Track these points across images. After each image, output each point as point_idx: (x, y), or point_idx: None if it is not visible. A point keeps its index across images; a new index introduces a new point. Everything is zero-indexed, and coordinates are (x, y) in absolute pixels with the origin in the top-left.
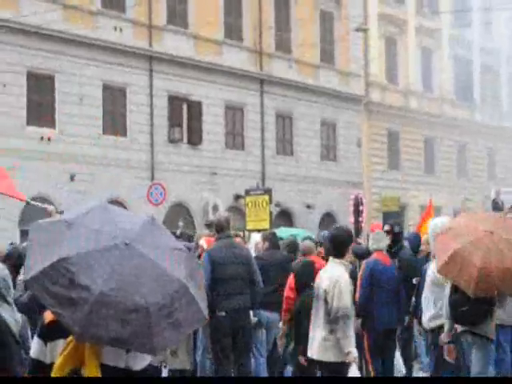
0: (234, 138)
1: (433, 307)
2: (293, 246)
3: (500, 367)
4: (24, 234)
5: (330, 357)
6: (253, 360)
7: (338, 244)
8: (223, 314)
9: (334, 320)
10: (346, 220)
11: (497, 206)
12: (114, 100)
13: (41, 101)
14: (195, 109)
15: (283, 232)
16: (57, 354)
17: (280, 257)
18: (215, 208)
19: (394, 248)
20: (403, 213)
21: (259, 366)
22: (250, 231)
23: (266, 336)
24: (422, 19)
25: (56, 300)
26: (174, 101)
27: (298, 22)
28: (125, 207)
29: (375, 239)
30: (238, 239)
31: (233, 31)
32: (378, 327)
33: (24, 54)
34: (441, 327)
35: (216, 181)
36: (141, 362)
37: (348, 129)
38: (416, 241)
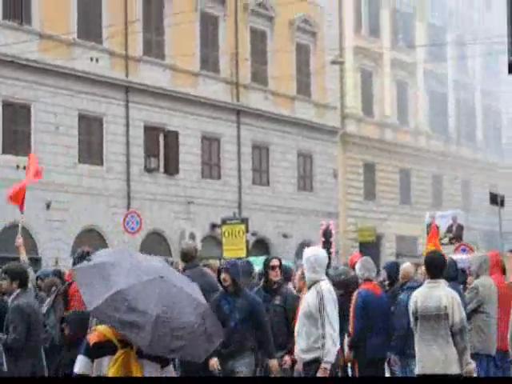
0: (211, 168)
1: (305, 340)
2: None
3: None
4: None
5: (455, 370)
6: None
7: (435, 266)
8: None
9: (457, 332)
10: None
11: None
12: (90, 130)
13: (17, 129)
14: (172, 139)
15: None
16: (102, 368)
17: (254, 285)
18: (191, 237)
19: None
20: (379, 243)
21: None
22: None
23: None
24: (397, 53)
25: (120, 324)
26: (151, 131)
27: (274, 54)
28: (101, 237)
29: (366, 268)
30: (206, 268)
31: (209, 63)
32: (370, 357)
33: (0, 83)
34: (314, 361)
35: (192, 210)
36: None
37: (324, 160)
38: (394, 270)
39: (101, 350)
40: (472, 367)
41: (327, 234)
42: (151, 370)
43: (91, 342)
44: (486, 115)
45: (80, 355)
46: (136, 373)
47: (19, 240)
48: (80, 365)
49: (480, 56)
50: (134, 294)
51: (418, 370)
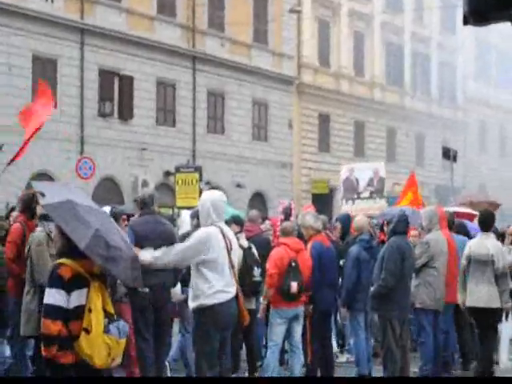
0: (165, 115)
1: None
2: None
3: (422, 350)
4: None
5: (496, 304)
6: (180, 336)
7: (487, 222)
8: (146, 290)
9: (500, 276)
10: (275, 200)
11: (351, 186)
12: (44, 71)
13: None
14: (126, 83)
15: None
16: (82, 299)
17: None
18: (144, 184)
19: None
20: (332, 195)
21: (185, 342)
22: (180, 208)
23: None
24: (354, 3)
25: (104, 259)
26: (105, 75)
27: (231, 1)
28: (53, 180)
29: (319, 219)
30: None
31: (166, 7)
32: (322, 309)
33: None
34: (201, 308)
35: (146, 157)
36: None
37: (279, 110)
38: (347, 222)
39: (76, 283)
40: (509, 305)
41: (287, 213)
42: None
43: (66, 277)
44: (441, 69)
45: (53, 288)
46: (109, 301)
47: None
48: (56, 297)
49: (437, 8)
50: (105, 231)
51: (467, 303)
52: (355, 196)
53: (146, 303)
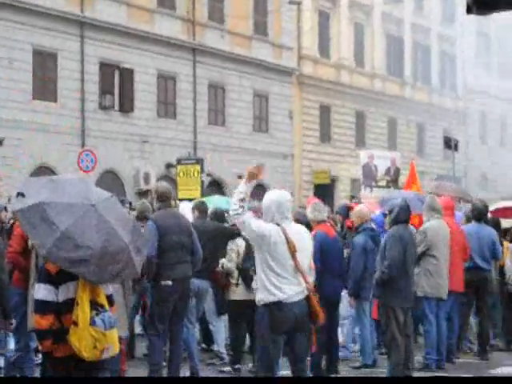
0: (166, 107)
1: None
2: (219, 215)
3: (426, 338)
4: None
5: None
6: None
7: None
8: (169, 283)
9: None
10: None
11: (370, 173)
12: (45, 65)
13: None
14: (127, 76)
15: (215, 201)
16: (71, 292)
17: (211, 225)
18: (146, 176)
19: None
20: (334, 185)
21: (189, 333)
22: (181, 200)
23: (196, 304)
24: None
25: (69, 262)
26: (106, 68)
27: None
28: (55, 175)
29: (317, 210)
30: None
31: (166, 0)
32: (327, 299)
33: None
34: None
35: (147, 149)
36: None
37: (280, 101)
38: (346, 212)
39: (63, 276)
40: None
41: None
42: (106, 287)
43: (53, 271)
44: (441, 59)
45: (41, 283)
46: (101, 292)
47: None
48: (44, 292)
49: None
50: (76, 231)
51: None
52: (373, 183)
53: (166, 296)
